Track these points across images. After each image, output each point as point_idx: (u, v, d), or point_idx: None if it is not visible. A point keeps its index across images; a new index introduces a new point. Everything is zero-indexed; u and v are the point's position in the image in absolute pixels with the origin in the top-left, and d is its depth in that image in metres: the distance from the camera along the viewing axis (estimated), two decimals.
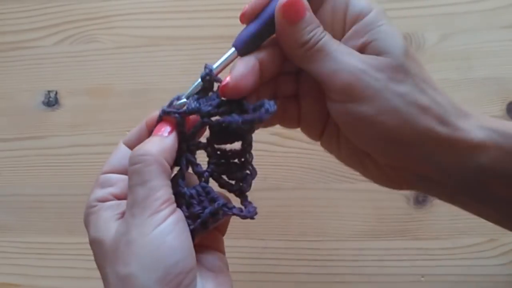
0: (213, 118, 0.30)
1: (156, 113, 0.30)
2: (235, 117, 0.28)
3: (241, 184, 0.31)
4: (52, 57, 0.52)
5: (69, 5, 0.53)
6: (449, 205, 0.30)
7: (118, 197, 0.29)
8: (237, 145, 0.31)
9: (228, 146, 0.31)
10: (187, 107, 0.29)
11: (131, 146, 0.30)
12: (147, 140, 0.29)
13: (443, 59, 0.47)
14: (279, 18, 0.28)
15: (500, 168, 0.27)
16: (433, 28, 0.48)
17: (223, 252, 0.31)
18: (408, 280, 0.44)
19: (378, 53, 0.27)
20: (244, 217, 0.29)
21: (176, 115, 0.29)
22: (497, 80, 0.46)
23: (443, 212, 0.45)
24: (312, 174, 0.47)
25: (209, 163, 0.31)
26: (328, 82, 0.28)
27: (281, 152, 0.48)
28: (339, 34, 0.29)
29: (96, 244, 0.27)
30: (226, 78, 0.29)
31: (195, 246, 0.27)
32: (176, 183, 0.29)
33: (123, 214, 0.27)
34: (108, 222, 0.27)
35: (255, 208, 0.30)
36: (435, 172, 0.28)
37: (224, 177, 0.31)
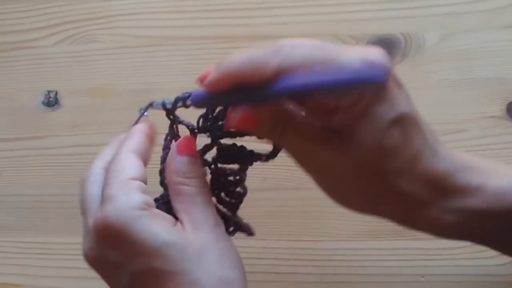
0: (223, 141, 0.31)
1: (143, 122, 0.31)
2: (246, 151, 0.31)
3: (233, 201, 0.33)
4: (52, 57, 0.52)
5: (69, 5, 0.53)
6: None
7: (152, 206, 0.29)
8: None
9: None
10: (198, 125, 0.31)
11: (142, 157, 0.30)
12: (191, 162, 0.30)
13: (443, 59, 0.47)
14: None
15: (470, 237, 0.29)
16: (433, 28, 0.48)
17: None
18: (408, 280, 0.44)
19: (353, 144, 0.25)
20: (250, 234, 0.33)
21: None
22: (497, 80, 0.46)
23: None
24: None
25: (211, 180, 0.32)
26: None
27: (281, 152, 0.48)
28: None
29: (174, 248, 0.26)
30: (229, 114, 0.29)
31: None
32: None
33: (172, 223, 0.28)
34: (175, 228, 0.28)
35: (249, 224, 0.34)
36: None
37: (222, 194, 0.33)
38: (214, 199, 0.32)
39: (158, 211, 0.28)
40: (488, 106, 0.46)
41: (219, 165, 0.32)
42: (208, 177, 0.32)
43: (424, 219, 0.27)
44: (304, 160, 0.28)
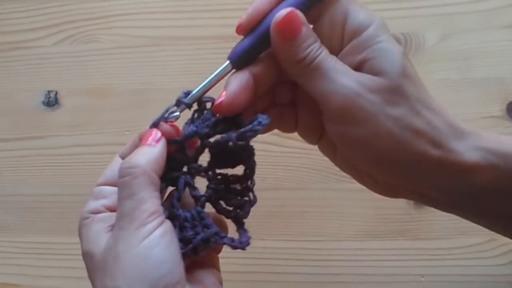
0: (212, 139, 0.29)
1: (147, 127, 0.30)
2: (230, 134, 0.28)
3: (238, 211, 0.30)
4: (52, 57, 0.52)
5: (69, 5, 0.53)
6: None
7: (111, 209, 0.28)
8: (240, 170, 0.30)
9: (230, 171, 0.30)
10: (185, 132, 0.29)
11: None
12: (135, 151, 0.28)
13: (443, 59, 0.47)
14: (274, 35, 0.27)
15: (494, 187, 0.27)
16: (433, 28, 0.48)
17: (218, 269, 0.31)
18: (408, 280, 0.44)
19: (375, 72, 0.27)
20: (235, 248, 0.29)
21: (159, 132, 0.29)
22: (497, 80, 0.46)
23: (443, 212, 0.45)
24: (312, 174, 0.47)
25: (207, 187, 0.30)
26: (323, 102, 0.28)
27: (280, 152, 0.48)
28: (337, 47, 0.28)
29: (87, 257, 0.27)
30: (220, 96, 0.28)
31: (190, 264, 0.28)
32: (171, 204, 0.29)
33: (113, 226, 0.27)
34: (99, 235, 0.27)
35: (248, 237, 0.30)
36: (429, 190, 0.28)
37: (222, 202, 0.30)
38: (213, 209, 0.30)
39: (103, 215, 0.28)
40: (488, 106, 0.46)
41: (219, 171, 0.30)
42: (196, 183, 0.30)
43: (451, 152, 0.27)
44: (334, 84, 0.27)
